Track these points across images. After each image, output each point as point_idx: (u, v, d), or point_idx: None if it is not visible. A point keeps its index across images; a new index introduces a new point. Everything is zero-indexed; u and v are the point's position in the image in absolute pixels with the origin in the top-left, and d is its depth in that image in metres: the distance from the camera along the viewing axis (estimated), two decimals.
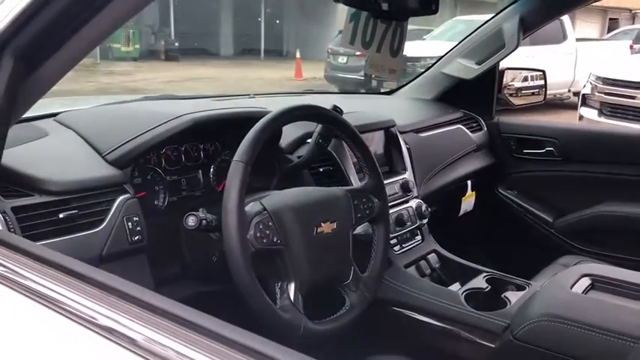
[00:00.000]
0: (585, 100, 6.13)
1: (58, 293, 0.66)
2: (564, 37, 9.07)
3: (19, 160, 1.06)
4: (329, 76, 10.24)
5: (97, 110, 1.47)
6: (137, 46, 16.35)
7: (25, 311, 0.69)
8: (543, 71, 2.49)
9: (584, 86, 6.30)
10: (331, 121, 1.24)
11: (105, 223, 1.07)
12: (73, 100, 2.04)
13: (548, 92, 2.58)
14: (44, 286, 0.68)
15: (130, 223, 1.10)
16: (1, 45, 0.83)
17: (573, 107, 7.23)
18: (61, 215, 1.02)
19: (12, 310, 0.71)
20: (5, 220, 0.95)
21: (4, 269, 0.74)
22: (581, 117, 6.12)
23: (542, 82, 2.60)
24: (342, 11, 1.32)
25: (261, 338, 0.54)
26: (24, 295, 0.69)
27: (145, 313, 0.59)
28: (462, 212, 2.14)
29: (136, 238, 1.10)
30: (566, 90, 9.05)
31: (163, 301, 0.61)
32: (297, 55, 13.32)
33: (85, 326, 0.61)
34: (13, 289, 0.70)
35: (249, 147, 1.03)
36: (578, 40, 9.44)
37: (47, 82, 0.86)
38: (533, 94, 2.89)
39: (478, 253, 1.66)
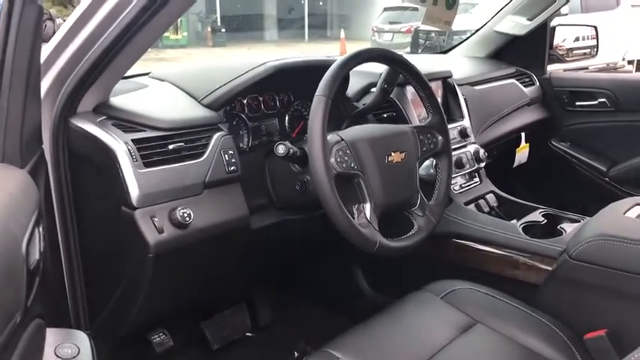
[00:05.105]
0: None
1: None
2: (617, 3, 8.82)
3: (129, 103, 1.26)
4: None
5: (185, 66, 1.65)
6: (185, 33, 16.73)
7: None
8: (595, 27, 2.51)
9: None
10: (398, 62, 1.36)
11: (206, 155, 1.24)
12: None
13: (602, 62, 2.57)
14: None
15: (226, 156, 1.27)
16: None
17: None
18: (170, 147, 1.20)
19: None
20: (128, 149, 1.13)
21: None
22: None
23: (594, 42, 2.61)
24: None
25: None
26: None
27: None
28: (516, 163, 2.23)
29: (231, 168, 1.27)
30: (621, 59, 8.80)
31: None
32: (342, 35, 13.37)
33: None
34: None
35: (329, 82, 1.18)
36: (633, 6, 9.14)
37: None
38: (584, 54, 2.88)
39: (532, 201, 1.76)
